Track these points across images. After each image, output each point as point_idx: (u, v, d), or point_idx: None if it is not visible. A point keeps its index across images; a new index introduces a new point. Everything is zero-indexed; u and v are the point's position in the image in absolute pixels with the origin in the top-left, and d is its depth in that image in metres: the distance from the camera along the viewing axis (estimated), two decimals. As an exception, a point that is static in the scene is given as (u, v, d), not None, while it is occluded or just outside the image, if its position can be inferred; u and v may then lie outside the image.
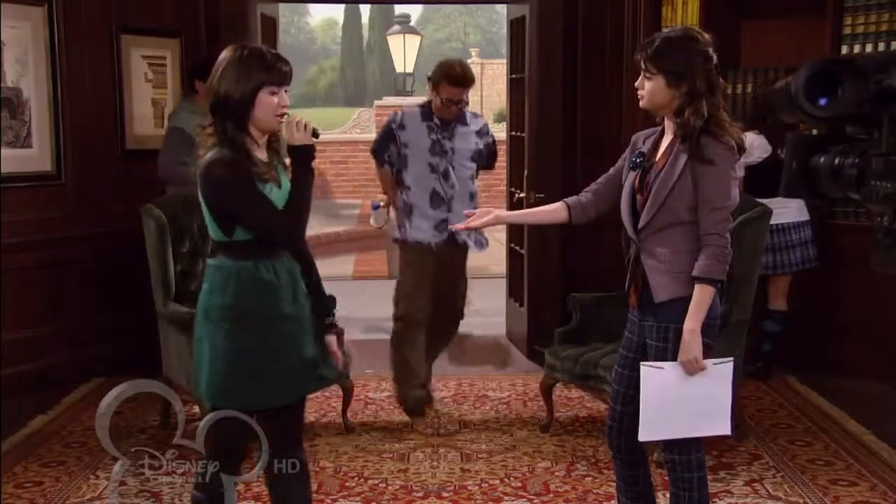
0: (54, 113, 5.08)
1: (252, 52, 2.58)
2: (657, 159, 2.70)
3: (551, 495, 3.63)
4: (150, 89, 5.49)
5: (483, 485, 3.73)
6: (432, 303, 4.57)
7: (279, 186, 2.61)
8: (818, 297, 5.20)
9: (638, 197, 2.72)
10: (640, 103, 2.73)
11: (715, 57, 2.61)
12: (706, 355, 2.65)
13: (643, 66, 2.66)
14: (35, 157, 5.05)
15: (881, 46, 4.91)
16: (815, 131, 2.72)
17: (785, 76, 2.39)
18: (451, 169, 4.46)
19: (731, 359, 2.71)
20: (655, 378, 2.64)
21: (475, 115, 4.69)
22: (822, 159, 1.79)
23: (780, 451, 4.05)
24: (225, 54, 2.58)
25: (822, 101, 1.71)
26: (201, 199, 2.60)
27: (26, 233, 4.93)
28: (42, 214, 5.06)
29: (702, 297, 2.60)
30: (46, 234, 5.05)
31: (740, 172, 4.73)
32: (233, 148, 2.54)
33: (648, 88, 2.66)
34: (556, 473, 3.84)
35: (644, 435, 2.69)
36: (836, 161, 1.74)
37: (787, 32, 5.28)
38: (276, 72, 2.55)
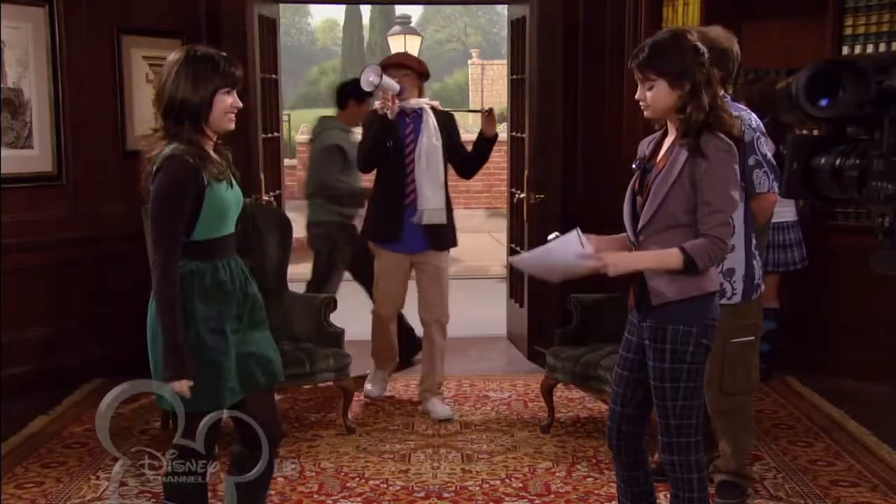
0: (55, 113, 5.09)
1: (204, 56, 2.63)
2: (658, 160, 2.71)
3: (552, 496, 3.63)
4: (150, 90, 5.48)
5: (484, 485, 3.73)
6: None
7: (231, 187, 2.69)
8: (818, 298, 5.20)
9: (638, 199, 2.72)
10: (646, 113, 2.72)
11: (705, 50, 2.62)
12: (703, 357, 2.65)
13: (640, 74, 2.64)
14: (36, 157, 5.05)
15: (882, 47, 4.91)
16: (815, 132, 2.72)
17: (786, 77, 2.39)
18: None
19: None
20: (573, 243, 2.63)
21: None
22: (822, 160, 1.79)
23: (780, 452, 4.04)
24: (175, 57, 2.63)
25: (823, 102, 1.71)
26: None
27: (27, 233, 4.93)
28: (43, 215, 5.06)
29: (670, 260, 2.58)
30: (47, 234, 5.05)
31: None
32: (190, 144, 2.59)
33: (652, 96, 2.65)
34: (557, 474, 3.84)
35: (516, 260, 2.92)
36: (837, 162, 1.74)
37: (788, 33, 5.28)
38: (228, 75, 2.63)
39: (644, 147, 2.82)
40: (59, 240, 5.10)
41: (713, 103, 2.60)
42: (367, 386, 4.91)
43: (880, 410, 4.56)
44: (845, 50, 5.07)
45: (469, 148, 4.70)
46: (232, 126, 2.70)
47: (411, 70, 4.56)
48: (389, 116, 4.36)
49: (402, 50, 16.05)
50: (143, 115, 5.45)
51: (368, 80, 4.29)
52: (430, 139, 4.49)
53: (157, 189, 2.59)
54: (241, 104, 2.70)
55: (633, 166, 2.80)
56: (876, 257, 1.74)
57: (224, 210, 2.67)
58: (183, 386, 2.57)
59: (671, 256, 2.58)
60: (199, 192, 2.59)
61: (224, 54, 2.69)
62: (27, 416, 4.49)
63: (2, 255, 4.75)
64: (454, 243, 4.70)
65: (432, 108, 4.64)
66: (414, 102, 4.54)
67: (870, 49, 4.97)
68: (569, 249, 2.63)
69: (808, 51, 5.08)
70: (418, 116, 4.54)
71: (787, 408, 4.66)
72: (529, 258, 2.79)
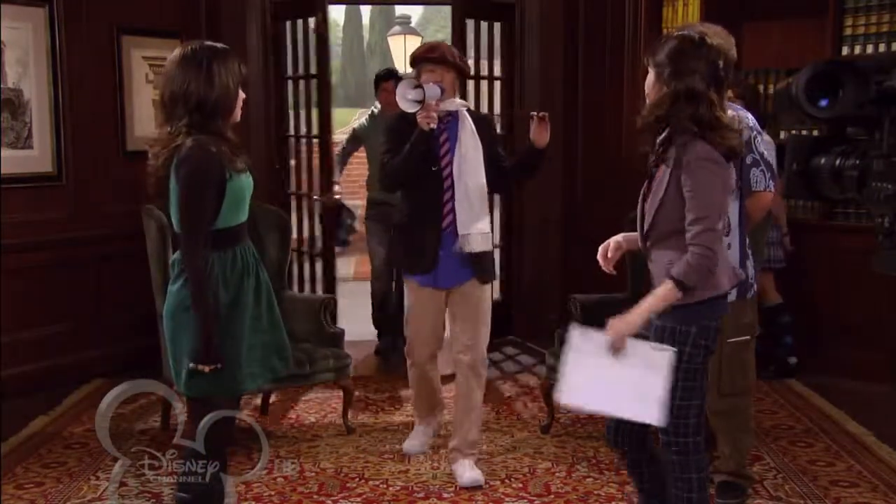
0: (55, 114, 5.09)
1: (226, 52, 2.68)
2: (659, 167, 2.71)
3: (552, 496, 3.63)
4: (150, 90, 5.49)
5: (484, 486, 3.72)
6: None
7: (247, 173, 2.73)
8: (818, 298, 5.20)
9: (645, 203, 2.73)
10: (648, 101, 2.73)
11: (720, 62, 2.54)
12: (702, 358, 2.64)
13: (646, 60, 2.67)
14: (36, 157, 5.05)
15: (882, 47, 4.92)
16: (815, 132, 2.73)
17: (786, 77, 2.39)
18: None
19: (673, 349, 2.60)
20: (583, 342, 2.62)
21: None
22: (822, 160, 1.79)
23: (780, 452, 4.04)
24: (196, 55, 2.64)
25: (823, 103, 1.71)
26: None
27: (27, 234, 4.93)
28: (42, 215, 5.06)
29: (665, 293, 2.57)
30: (47, 235, 5.05)
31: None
32: (216, 136, 2.62)
33: (647, 83, 2.67)
34: (557, 474, 3.84)
35: (562, 398, 2.68)
36: (837, 162, 1.74)
37: (788, 33, 5.28)
38: (244, 72, 2.73)
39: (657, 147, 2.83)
40: (59, 240, 5.10)
41: (707, 115, 2.53)
42: (405, 443, 4.11)
43: (880, 410, 4.56)
44: (845, 50, 5.07)
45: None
46: (238, 118, 2.76)
47: (453, 66, 3.70)
48: (433, 126, 3.59)
49: (402, 50, 15.31)
50: (143, 115, 5.45)
51: (408, 99, 3.52)
52: (469, 149, 3.67)
53: (183, 180, 2.59)
54: (244, 95, 2.76)
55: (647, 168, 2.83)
56: (876, 258, 1.75)
57: (243, 197, 2.71)
58: (210, 368, 2.60)
59: (666, 291, 2.57)
60: (221, 182, 2.62)
61: (230, 48, 2.73)
62: (27, 416, 4.48)
63: (2, 255, 4.75)
64: (494, 275, 3.95)
65: (468, 109, 3.83)
66: (449, 104, 3.70)
67: (870, 49, 4.98)
68: (593, 352, 2.61)
69: (808, 51, 5.08)
70: (454, 121, 3.71)
71: (787, 408, 4.66)
72: (579, 391, 2.64)
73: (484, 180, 3.69)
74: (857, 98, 1.67)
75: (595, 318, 4.32)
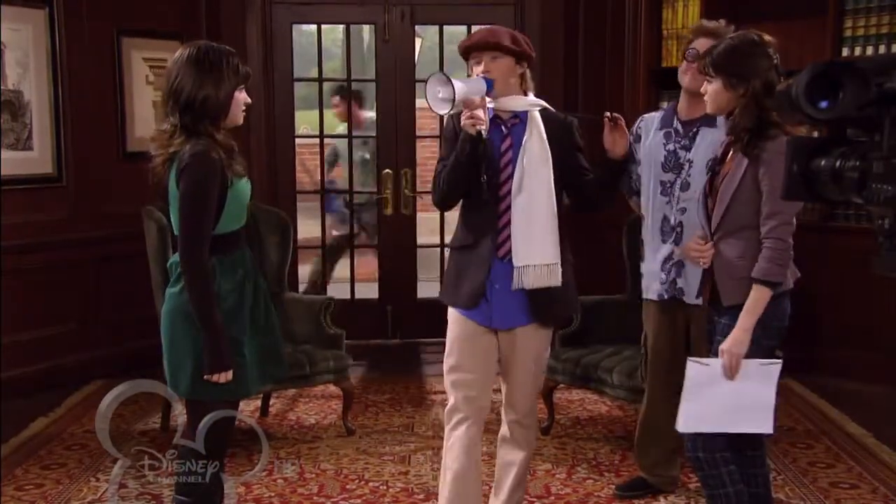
0: (55, 115, 5.09)
1: (222, 52, 2.65)
2: (726, 164, 2.75)
3: (552, 498, 3.63)
4: (150, 91, 5.49)
5: (484, 487, 3.71)
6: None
7: (245, 178, 2.72)
8: (818, 299, 5.19)
9: (709, 201, 2.78)
10: (707, 107, 2.79)
11: (776, 58, 2.70)
12: (770, 357, 2.69)
13: (704, 69, 2.72)
14: (36, 159, 5.05)
15: (882, 49, 4.92)
16: (815, 133, 2.74)
17: (786, 78, 2.40)
18: (684, 187, 3.20)
19: (780, 360, 2.70)
20: (701, 373, 2.66)
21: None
22: (822, 162, 1.79)
23: (780, 454, 4.04)
24: (192, 55, 2.61)
25: (823, 104, 1.71)
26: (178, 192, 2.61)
27: (27, 235, 4.94)
28: (43, 216, 5.06)
29: (757, 298, 2.64)
30: (47, 236, 5.05)
31: None
32: (210, 140, 2.61)
33: (710, 91, 2.72)
34: (557, 476, 3.84)
35: (682, 426, 2.69)
36: (837, 164, 1.74)
37: (788, 35, 5.26)
38: (244, 73, 2.69)
39: (716, 148, 2.88)
40: (59, 241, 5.10)
41: (768, 113, 2.62)
42: None
43: (880, 412, 4.56)
44: (845, 52, 5.07)
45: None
46: (241, 121, 2.74)
47: (502, 51, 2.90)
48: (483, 134, 2.82)
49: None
50: (144, 116, 5.45)
51: (437, 97, 2.75)
52: (534, 161, 2.92)
53: (188, 186, 2.56)
54: (250, 100, 2.74)
55: (706, 167, 2.89)
56: (877, 259, 1.75)
57: (244, 202, 2.71)
58: (225, 377, 2.60)
59: (757, 297, 2.63)
60: (223, 188, 2.61)
61: (233, 50, 2.71)
62: (27, 418, 4.48)
63: (2, 257, 4.75)
64: (572, 315, 3.21)
65: (543, 110, 2.99)
66: (512, 102, 2.95)
67: (870, 51, 4.98)
68: (710, 380, 2.65)
69: (807, 52, 5.08)
70: (521, 123, 2.96)
71: (787, 409, 4.65)
72: (697, 418, 2.68)
73: (553, 199, 2.96)
74: (858, 100, 1.68)
75: (596, 319, 4.38)
